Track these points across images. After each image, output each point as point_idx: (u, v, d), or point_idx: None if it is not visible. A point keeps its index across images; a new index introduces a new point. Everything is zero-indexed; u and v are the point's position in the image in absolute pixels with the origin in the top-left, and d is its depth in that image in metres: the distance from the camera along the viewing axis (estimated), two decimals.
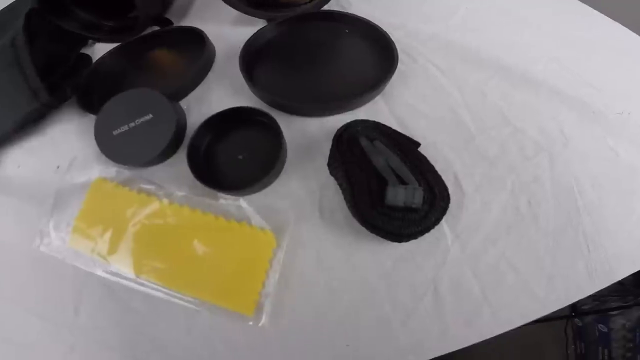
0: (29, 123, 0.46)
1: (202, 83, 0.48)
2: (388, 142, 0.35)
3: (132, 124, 0.42)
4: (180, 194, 0.39)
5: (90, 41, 0.55)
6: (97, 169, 0.42)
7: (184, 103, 0.47)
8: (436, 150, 0.39)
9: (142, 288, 0.36)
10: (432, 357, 0.32)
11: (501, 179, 0.37)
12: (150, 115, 0.42)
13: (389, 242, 0.33)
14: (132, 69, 0.53)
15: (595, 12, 0.49)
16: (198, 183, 0.37)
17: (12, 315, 0.38)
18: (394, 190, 0.30)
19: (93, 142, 0.43)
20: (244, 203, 0.38)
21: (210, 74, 0.49)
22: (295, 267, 0.35)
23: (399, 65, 0.43)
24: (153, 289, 0.36)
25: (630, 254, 0.34)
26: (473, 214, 0.36)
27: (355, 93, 0.41)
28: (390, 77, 0.42)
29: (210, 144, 0.42)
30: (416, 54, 0.46)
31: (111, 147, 0.42)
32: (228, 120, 0.42)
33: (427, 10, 0.51)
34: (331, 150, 0.37)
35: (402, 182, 0.31)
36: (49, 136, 0.47)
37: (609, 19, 0.48)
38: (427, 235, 0.33)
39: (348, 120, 0.39)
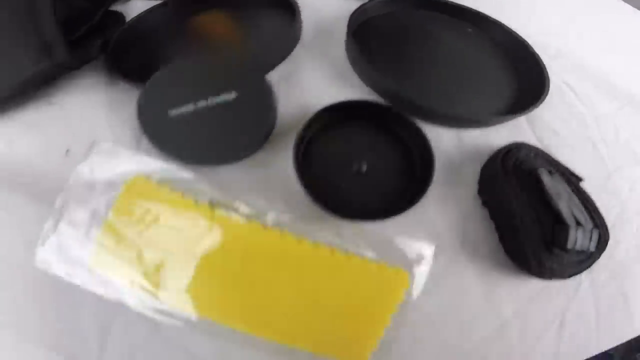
0: (32, 86, 0.33)
1: (287, 58, 0.38)
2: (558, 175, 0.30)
3: (201, 103, 0.30)
4: (272, 215, 0.29)
5: None
6: (131, 161, 0.30)
7: None
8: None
9: (204, 329, 0.27)
10: None
11: (629, 221, 0.35)
12: (234, 94, 0.30)
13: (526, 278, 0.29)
14: (180, 31, 0.41)
15: None
16: (295, 196, 0.29)
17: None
18: (575, 234, 0.26)
19: (126, 121, 0.32)
20: (368, 231, 0.29)
21: (298, 48, 0.39)
22: (425, 310, 0.29)
23: None
24: (223, 332, 0.27)
25: None
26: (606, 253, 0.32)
27: (500, 110, 0.37)
28: (542, 100, 0.36)
29: (310, 144, 0.32)
30: (548, 71, 0.39)
31: (164, 133, 0.30)
32: (345, 114, 0.33)
33: (542, 17, 0.46)
34: (489, 177, 0.31)
35: (577, 222, 0.27)
36: (58, 107, 0.35)
37: None
38: None
39: (477, 135, 0.35)
